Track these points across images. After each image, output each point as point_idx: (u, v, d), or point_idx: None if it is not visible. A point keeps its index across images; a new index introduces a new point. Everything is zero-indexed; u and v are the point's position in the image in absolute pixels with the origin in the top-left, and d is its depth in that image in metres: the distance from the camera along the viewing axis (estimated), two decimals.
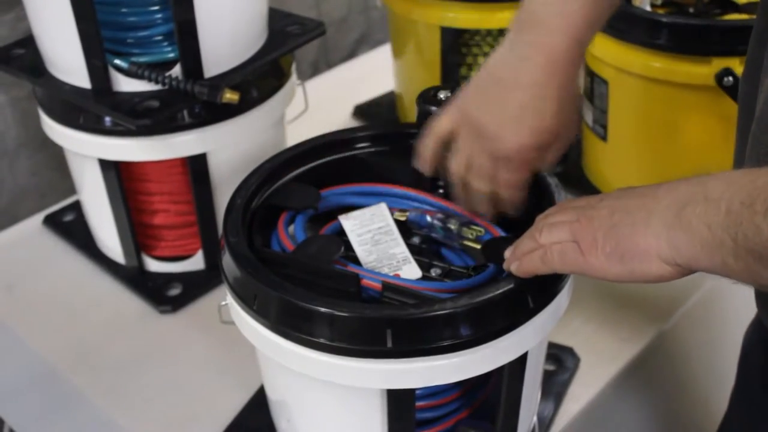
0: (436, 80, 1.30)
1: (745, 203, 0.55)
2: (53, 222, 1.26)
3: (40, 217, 1.28)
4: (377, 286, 0.75)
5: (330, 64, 1.73)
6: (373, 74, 1.59)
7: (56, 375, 1.03)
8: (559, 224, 0.68)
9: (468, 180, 0.82)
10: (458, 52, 1.28)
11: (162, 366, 1.04)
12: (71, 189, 1.31)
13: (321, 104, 1.29)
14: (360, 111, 1.50)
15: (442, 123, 0.82)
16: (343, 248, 0.80)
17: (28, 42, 1.10)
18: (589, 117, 1.25)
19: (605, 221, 0.65)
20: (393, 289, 0.74)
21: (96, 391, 1.01)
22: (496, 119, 0.77)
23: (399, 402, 0.73)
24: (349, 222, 0.86)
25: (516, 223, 0.82)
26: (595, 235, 0.65)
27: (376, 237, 0.85)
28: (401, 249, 0.84)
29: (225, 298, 0.80)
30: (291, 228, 0.86)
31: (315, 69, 1.72)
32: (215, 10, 0.99)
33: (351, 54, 1.79)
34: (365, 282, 0.75)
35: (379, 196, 0.90)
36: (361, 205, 0.89)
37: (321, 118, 1.28)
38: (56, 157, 1.36)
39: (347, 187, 0.91)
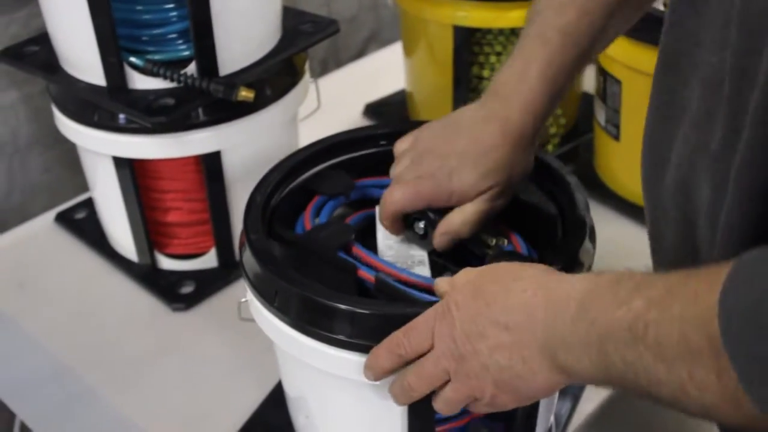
0: (447, 79, 1.30)
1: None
2: (65, 219, 1.26)
3: (51, 214, 1.28)
4: (371, 278, 0.75)
5: (340, 63, 1.73)
6: (383, 73, 1.59)
7: (71, 372, 1.03)
8: (430, 374, 0.67)
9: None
10: (470, 51, 1.28)
11: (177, 363, 1.04)
12: (82, 186, 1.31)
13: (331, 103, 1.29)
14: (371, 110, 1.49)
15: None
16: (353, 235, 0.80)
17: (42, 39, 1.10)
18: (601, 116, 1.25)
19: (485, 378, 0.65)
20: (385, 284, 0.75)
21: (111, 389, 1.01)
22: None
23: (419, 399, 0.73)
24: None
25: (541, 240, 0.82)
26: (483, 393, 0.66)
27: (403, 234, 0.85)
28: (421, 252, 0.84)
29: (245, 295, 0.80)
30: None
31: (324, 67, 1.72)
32: (231, 8, 0.99)
33: (360, 53, 1.78)
34: (361, 273, 0.76)
35: None
36: None
37: (332, 117, 1.28)
38: (68, 154, 1.36)
39: (382, 180, 0.89)
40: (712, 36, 0.61)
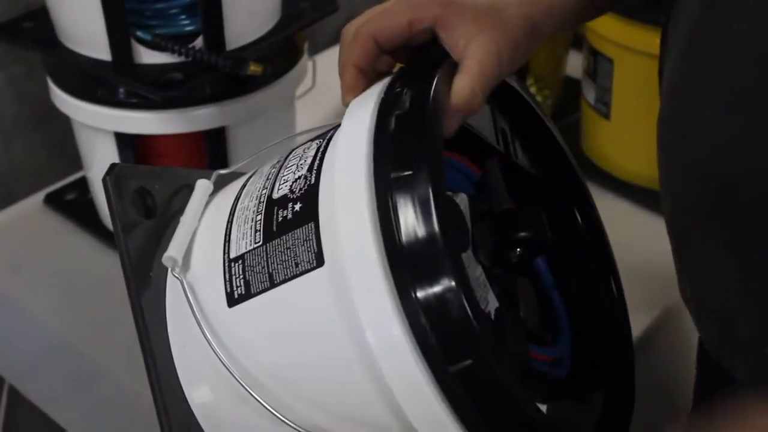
0: None
1: None
2: (55, 201, 1.24)
3: (39, 196, 1.26)
4: None
5: (316, 48, 1.73)
6: None
7: (77, 350, 1.01)
8: None
9: None
10: None
11: None
12: (67, 169, 1.30)
13: (318, 83, 1.28)
14: None
15: None
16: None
17: (37, 15, 1.08)
18: (590, 95, 1.27)
19: None
20: None
21: (119, 365, 0.99)
22: None
23: None
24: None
25: None
26: None
27: None
28: (479, 271, 0.64)
29: None
30: None
31: None
32: None
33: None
34: None
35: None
36: None
37: (322, 98, 1.28)
38: (52, 136, 1.34)
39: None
40: (747, 3, 0.61)
